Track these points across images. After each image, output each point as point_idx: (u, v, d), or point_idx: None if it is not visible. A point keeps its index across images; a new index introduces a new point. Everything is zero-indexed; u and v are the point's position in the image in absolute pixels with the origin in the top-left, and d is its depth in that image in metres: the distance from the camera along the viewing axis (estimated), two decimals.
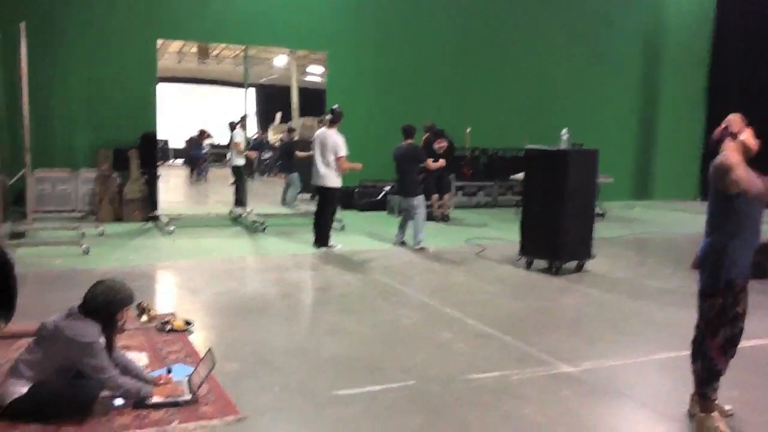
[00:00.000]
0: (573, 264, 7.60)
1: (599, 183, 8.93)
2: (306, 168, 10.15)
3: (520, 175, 10.36)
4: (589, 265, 7.72)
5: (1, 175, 7.73)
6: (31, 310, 5.00)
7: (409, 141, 8.87)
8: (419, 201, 8.81)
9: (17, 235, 8.28)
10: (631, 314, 6.03)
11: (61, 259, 7.30)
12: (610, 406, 4.07)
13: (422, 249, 8.70)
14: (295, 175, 12.61)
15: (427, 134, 11.23)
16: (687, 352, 3.81)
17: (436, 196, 11.36)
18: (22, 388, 3.34)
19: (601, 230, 8.51)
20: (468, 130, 12.37)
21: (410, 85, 13.01)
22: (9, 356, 3.82)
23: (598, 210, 9.53)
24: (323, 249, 8.47)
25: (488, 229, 10.57)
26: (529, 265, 7.68)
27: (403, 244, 8.89)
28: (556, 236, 7.35)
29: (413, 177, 8.86)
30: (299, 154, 12.73)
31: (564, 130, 7.51)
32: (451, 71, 13.45)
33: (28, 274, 6.67)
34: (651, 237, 10.55)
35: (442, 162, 9.60)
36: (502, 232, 10.09)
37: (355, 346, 4.90)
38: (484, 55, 13.71)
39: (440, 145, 11.14)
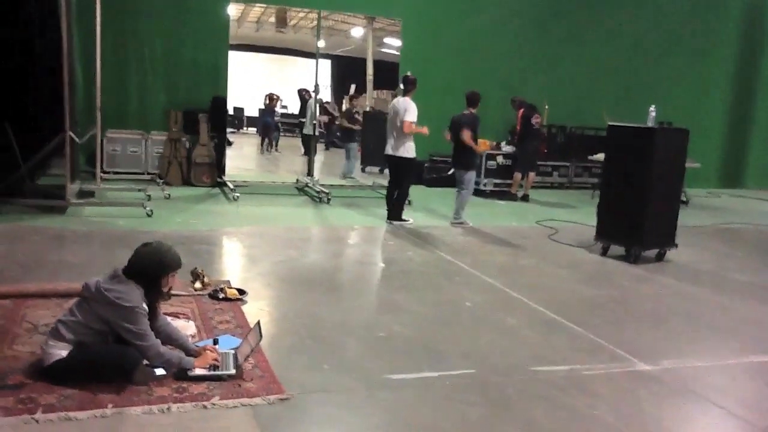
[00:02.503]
0: (653, 252, 7.08)
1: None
2: (377, 140, 9.91)
3: (600, 156, 9.84)
4: (671, 254, 7.18)
5: (73, 133, 7.75)
6: (91, 269, 4.94)
7: (471, 110, 8.45)
8: (470, 176, 8.46)
9: (86, 195, 8.35)
10: (717, 309, 5.52)
11: (124, 220, 7.29)
12: (693, 412, 3.65)
13: (461, 224, 8.37)
14: (353, 145, 12.41)
15: (523, 109, 10.80)
16: None
17: (518, 175, 10.95)
18: (62, 351, 3.20)
19: (684, 218, 7.91)
20: (546, 106, 11.81)
21: (487, 58, 12.45)
22: (57, 316, 3.69)
23: (682, 197, 8.92)
24: (395, 223, 8.20)
25: (562, 211, 10.06)
26: (605, 251, 7.19)
27: (461, 223, 8.51)
28: (638, 221, 6.82)
29: (467, 148, 8.44)
30: (344, 124, 12.47)
31: (652, 107, 6.96)
32: (531, 43, 12.80)
33: (93, 233, 6.68)
34: (740, 228, 9.81)
35: (487, 145, 9.04)
36: (577, 214, 9.59)
37: (413, 326, 4.60)
38: (565, 27, 12.97)
39: (537, 120, 10.73)
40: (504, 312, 5.04)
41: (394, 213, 8.32)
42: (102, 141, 9.51)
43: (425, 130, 8.19)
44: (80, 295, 3.36)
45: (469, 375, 3.80)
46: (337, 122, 15.18)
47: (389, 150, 8.22)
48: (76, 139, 8.28)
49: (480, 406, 3.42)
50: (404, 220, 8.28)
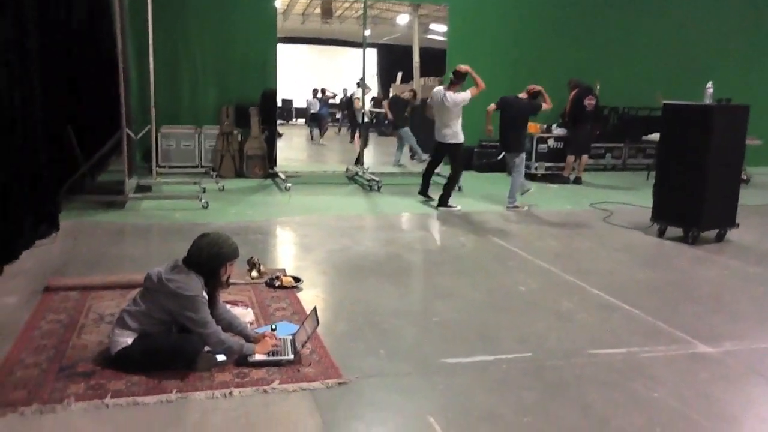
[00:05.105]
0: (713, 233, 6.90)
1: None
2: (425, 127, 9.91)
3: (654, 136, 9.59)
4: (732, 234, 6.98)
5: (130, 130, 7.97)
6: (150, 261, 5.10)
7: (523, 95, 8.40)
8: (521, 159, 8.41)
9: (143, 189, 8.58)
10: None
11: (181, 212, 7.46)
12: (759, 396, 3.55)
13: (515, 208, 8.31)
14: (406, 130, 12.39)
15: (577, 90, 10.64)
16: None
17: (570, 157, 10.80)
18: (127, 339, 3.32)
19: (745, 197, 7.65)
20: (597, 86, 11.57)
21: (535, 41, 12.25)
22: (122, 306, 3.83)
23: (743, 175, 8.66)
24: (442, 210, 8.21)
25: (616, 193, 9.86)
26: (661, 233, 7.04)
27: (516, 207, 8.44)
28: (696, 201, 6.65)
29: (519, 132, 8.37)
30: (375, 109, 12.41)
31: (709, 84, 6.76)
32: (581, 24, 12.52)
33: (152, 226, 6.88)
34: None
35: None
36: (632, 196, 9.39)
37: (467, 311, 4.61)
38: (617, 7, 12.66)
39: (590, 101, 10.56)
40: (559, 296, 4.99)
41: (442, 199, 8.34)
42: (157, 137, 9.74)
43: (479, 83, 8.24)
44: (143, 285, 3.48)
45: (525, 359, 3.79)
46: (384, 110, 15.18)
47: (437, 136, 8.28)
48: (133, 136, 8.52)
49: (536, 390, 3.41)
50: (452, 207, 8.27)
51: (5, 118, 5.01)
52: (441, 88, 8.38)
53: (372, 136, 13.05)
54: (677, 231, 6.90)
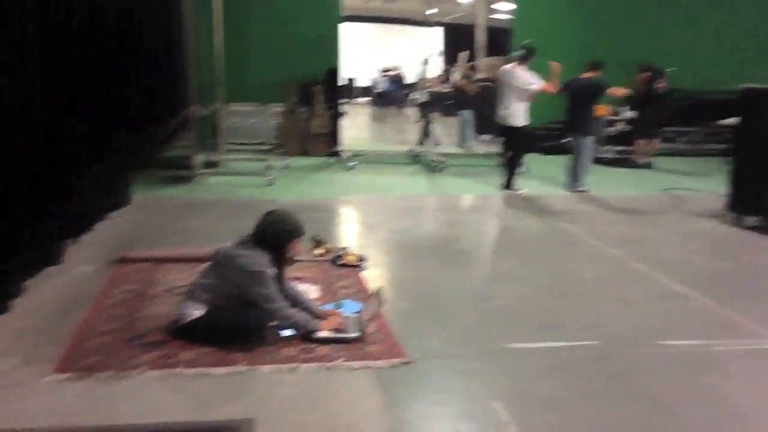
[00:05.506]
0: None
1: None
2: (490, 107, 9.75)
3: (731, 120, 9.22)
4: None
5: (197, 107, 8.13)
6: (217, 236, 5.20)
7: (590, 74, 8.14)
8: (590, 141, 8.17)
9: (211, 165, 8.76)
10: None
11: (247, 189, 7.59)
12: None
13: (582, 192, 8.10)
14: (466, 113, 12.26)
15: (648, 73, 10.32)
16: None
17: (641, 141, 10.50)
18: (197, 311, 3.41)
19: None
20: (670, 71, 11.15)
21: (606, 21, 11.88)
22: (190, 279, 3.93)
23: None
24: (506, 192, 8.10)
25: (688, 179, 9.53)
26: (737, 221, 6.77)
27: (583, 191, 8.25)
28: None
29: (587, 113, 8.13)
30: (463, 83, 12.27)
31: None
32: (654, 4, 12.08)
33: (218, 201, 7.02)
34: None
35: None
36: (705, 182, 9.05)
37: (531, 296, 4.54)
38: None
39: (662, 84, 10.23)
40: (627, 283, 4.87)
41: (507, 181, 8.21)
42: (224, 114, 9.92)
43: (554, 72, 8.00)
44: (211, 259, 3.55)
45: (591, 347, 3.71)
46: (448, 90, 15.04)
47: (500, 117, 8.11)
48: (201, 113, 8.69)
49: (602, 380, 3.34)
50: (517, 189, 8.14)
51: (81, 95, 5.17)
52: (511, 65, 8.15)
53: (436, 116, 12.95)
54: (754, 219, 6.62)
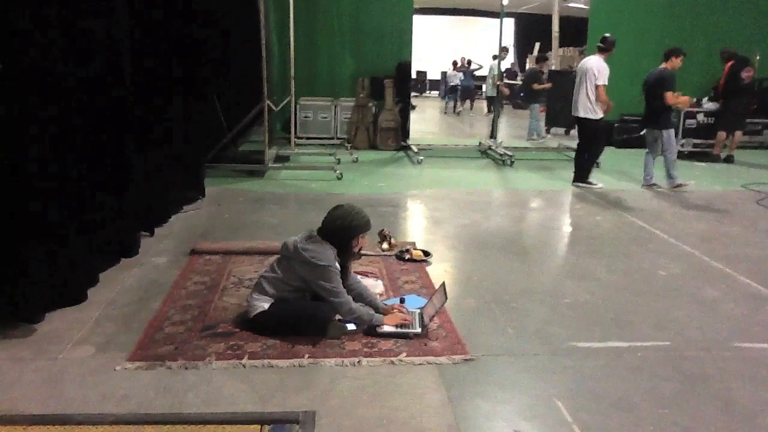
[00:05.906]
0: None
1: None
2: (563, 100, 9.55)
3: None
4: None
5: (270, 102, 8.30)
6: (287, 229, 5.32)
7: (664, 65, 7.82)
8: (668, 134, 7.83)
9: (282, 159, 8.92)
10: None
11: (316, 183, 7.70)
12: None
13: (679, 186, 7.78)
14: (535, 106, 12.04)
15: (732, 62, 9.90)
16: None
17: (722, 134, 10.07)
18: (264, 303, 3.48)
19: None
20: (757, 57, 10.64)
21: (687, 7, 11.43)
22: (259, 272, 4.02)
23: None
24: (579, 186, 7.93)
25: None
26: None
27: (652, 185, 7.97)
28: None
29: (660, 106, 7.80)
30: (536, 86, 12.10)
31: None
32: None
33: (289, 195, 7.15)
34: None
35: (685, 99, 8.26)
36: None
37: (601, 294, 4.43)
38: None
39: (748, 73, 9.79)
40: (703, 283, 4.68)
41: (581, 175, 8.03)
42: (296, 108, 10.07)
43: (611, 104, 7.77)
44: (279, 253, 3.62)
45: (663, 347, 3.59)
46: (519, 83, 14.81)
47: (575, 111, 7.93)
48: (273, 108, 8.85)
49: (674, 381, 3.22)
50: (591, 183, 7.95)
51: (162, 97, 5.38)
52: (590, 57, 7.99)
53: (507, 109, 12.79)
54: None
